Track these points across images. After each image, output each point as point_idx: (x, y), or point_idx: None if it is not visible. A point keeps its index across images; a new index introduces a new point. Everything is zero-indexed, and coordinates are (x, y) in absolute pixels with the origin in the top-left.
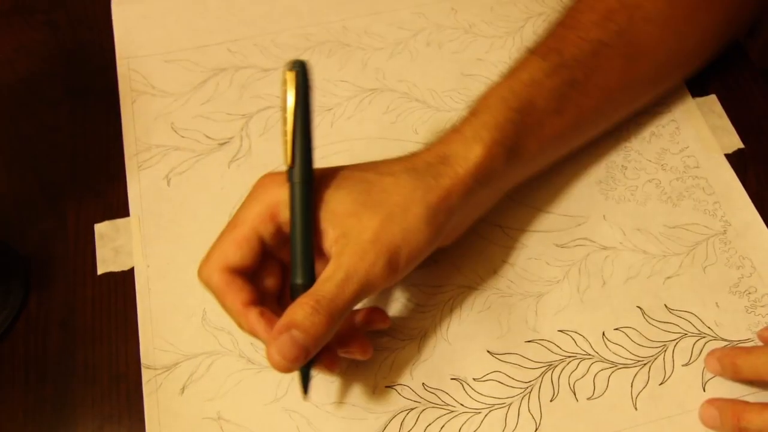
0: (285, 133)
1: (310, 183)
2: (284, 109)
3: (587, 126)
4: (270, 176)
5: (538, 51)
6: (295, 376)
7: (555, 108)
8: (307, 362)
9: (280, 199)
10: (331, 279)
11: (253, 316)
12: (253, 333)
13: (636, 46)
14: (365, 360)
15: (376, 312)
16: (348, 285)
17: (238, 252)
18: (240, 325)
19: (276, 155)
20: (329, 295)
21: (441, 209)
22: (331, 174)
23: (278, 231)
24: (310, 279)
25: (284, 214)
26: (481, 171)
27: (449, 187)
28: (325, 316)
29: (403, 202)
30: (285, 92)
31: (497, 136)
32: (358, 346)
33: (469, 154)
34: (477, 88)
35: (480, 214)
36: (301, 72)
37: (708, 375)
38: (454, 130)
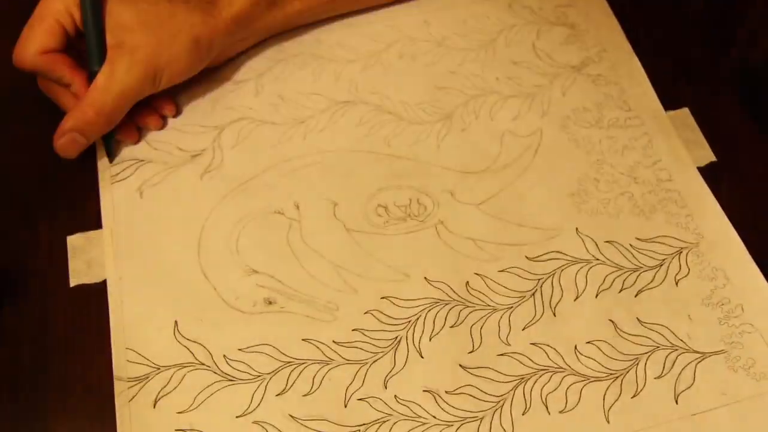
0: None
1: None
2: None
3: None
4: None
5: None
6: (270, 396)
7: None
8: (105, 138)
9: (75, 0)
10: (107, 90)
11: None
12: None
13: None
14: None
15: (167, 101)
16: (120, 97)
17: (51, 38)
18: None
19: (249, 166)
20: (106, 106)
21: (203, 43)
22: None
23: (76, 26)
24: (103, 63)
25: (79, 15)
26: (242, 16)
27: (213, 26)
28: (103, 122)
29: (173, 30)
30: None
31: None
32: (150, 120)
33: (234, 2)
34: (450, 101)
35: (244, 46)
36: None
37: (680, 387)
38: None
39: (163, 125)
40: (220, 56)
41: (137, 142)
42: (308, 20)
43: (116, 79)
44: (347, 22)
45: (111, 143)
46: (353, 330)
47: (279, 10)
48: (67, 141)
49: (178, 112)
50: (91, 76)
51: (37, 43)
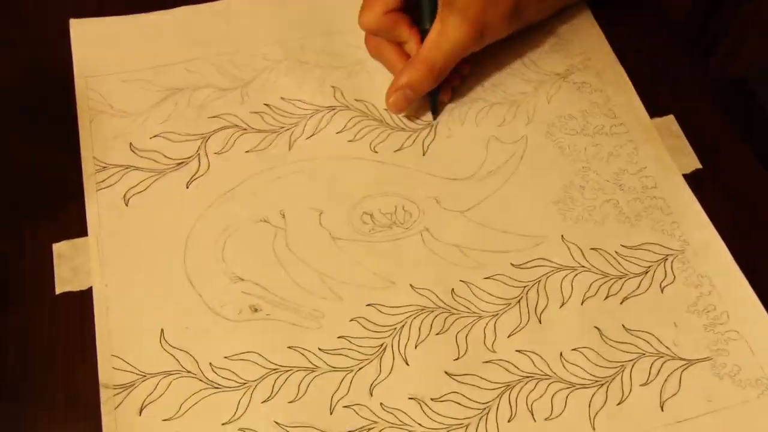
0: None
1: None
2: None
3: None
4: None
5: None
6: (256, 403)
7: None
8: (431, 95)
9: None
10: (439, 48)
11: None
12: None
13: None
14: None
15: (465, 61)
16: (452, 54)
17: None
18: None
19: (235, 174)
20: (438, 63)
21: (522, 3)
22: None
23: None
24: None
25: None
26: None
27: None
28: (434, 80)
29: None
30: None
31: None
32: (454, 79)
33: None
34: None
35: (544, 15)
36: None
37: (666, 394)
38: None
39: (460, 84)
40: (526, 23)
41: (450, 100)
42: None
43: (447, 36)
44: (331, 29)
45: (436, 100)
46: (339, 337)
47: None
48: (399, 97)
49: (471, 70)
50: (423, 35)
51: (382, 4)
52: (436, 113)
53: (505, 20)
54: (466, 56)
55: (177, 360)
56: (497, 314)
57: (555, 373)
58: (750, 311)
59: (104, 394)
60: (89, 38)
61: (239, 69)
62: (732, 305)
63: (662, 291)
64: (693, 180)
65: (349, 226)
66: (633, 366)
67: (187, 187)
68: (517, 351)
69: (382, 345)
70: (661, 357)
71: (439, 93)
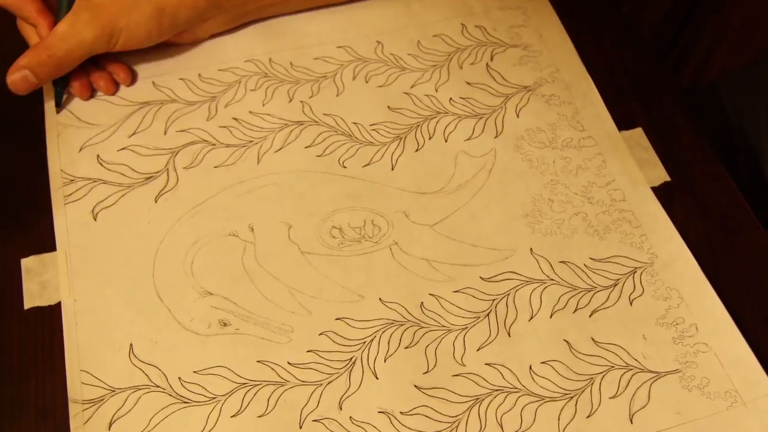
0: None
1: None
2: None
3: None
4: None
5: None
6: (225, 418)
7: None
8: (55, 83)
9: None
10: (63, 37)
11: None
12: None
13: None
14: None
15: (122, 67)
16: (75, 48)
17: None
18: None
19: (204, 189)
20: (60, 52)
21: (167, 13)
22: None
23: None
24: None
25: None
26: None
27: (179, 1)
28: (54, 65)
29: None
30: None
31: None
32: (103, 81)
33: None
34: (404, 121)
35: (217, 29)
36: None
37: (635, 407)
38: None
39: (114, 91)
40: (189, 34)
41: (87, 99)
42: (282, 10)
43: (75, 30)
44: (300, 43)
45: (61, 92)
46: (308, 351)
47: None
48: (19, 77)
49: (132, 81)
50: (56, 23)
51: None
52: (59, 105)
53: (145, 27)
54: (100, 56)
55: (146, 374)
56: (466, 327)
57: (524, 386)
58: (719, 324)
59: (73, 409)
60: None
61: (207, 83)
62: (701, 318)
63: (631, 304)
64: (662, 192)
65: (318, 241)
66: (602, 378)
67: (156, 202)
68: (486, 364)
69: (351, 359)
70: (630, 369)
71: (66, 84)
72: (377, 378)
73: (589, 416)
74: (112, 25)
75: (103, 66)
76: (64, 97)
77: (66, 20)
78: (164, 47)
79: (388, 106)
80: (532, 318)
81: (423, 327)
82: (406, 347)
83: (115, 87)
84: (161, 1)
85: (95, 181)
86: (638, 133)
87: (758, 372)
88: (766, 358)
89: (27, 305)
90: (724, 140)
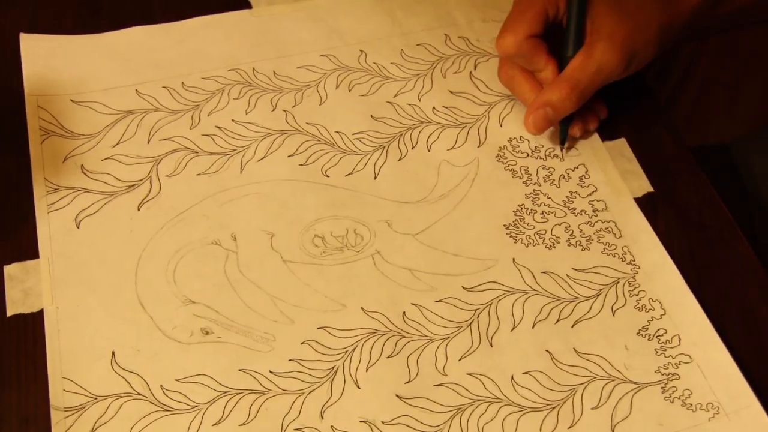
0: None
1: None
2: None
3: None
4: None
5: None
6: (206, 426)
7: None
8: (562, 122)
9: None
10: (584, 70)
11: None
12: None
13: None
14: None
15: (602, 103)
16: (597, 77)
17: (538, 24)
18: (537, 77)
19: (186, 197)
20: (582, 84)
21: (666, 30)
22: None
23: (555, 16)
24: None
25: (562, 3)
26: (694, 12)
27: (675, 13)
28: (575, 100)
29: (645, 17)
30: None
31: None
32: (591, 119)
33: None
34: (387, 130)
35: (679, 41)
36: None
37: (617, 418)
38: None
39: (597, 127)
40: (665, 49)
41: (579, 136)
42: (747, 19)
43: (594, 59)
44: (283, 52)
45: (566, 128)
46: (290, 360)
47: (726, 5)
48: (540, 115)
49: (603, 116)
50: (563, 63)
51: (526, 28)
52: (564, 142)
53: (651, 47)
54: (610, 82)
55: (128, 382)
56: (448, 337)
57: (506, 397)
58: (701, 335)
59: (55, 417)
60: (40, 56)
61: (191, 91)
62: (683, 329)
63: (613, 314)
64: (645, 203)
65: (301, 249)
66: (584, 389)
67: (139, 210)
68: (468, 374)
69: (333, 368)
70: (612, 380)
71: (571, 122)
72: (359, 387)
73: (570, 427)
74: (630, 48)
75: (587, 105)
76: (567, 133)
77: (583, 51)
78: (147, 53)
79: (371, 115)
80: (514, 328)
81: (405, 336)
82: (388, 357)
83: (598, 123)
84: (662, 18)
85: (78, 190)
86: (621, 144)
87: (741, 383)
88: (749, 369)
89: (9, 312)
90: (708, 153)
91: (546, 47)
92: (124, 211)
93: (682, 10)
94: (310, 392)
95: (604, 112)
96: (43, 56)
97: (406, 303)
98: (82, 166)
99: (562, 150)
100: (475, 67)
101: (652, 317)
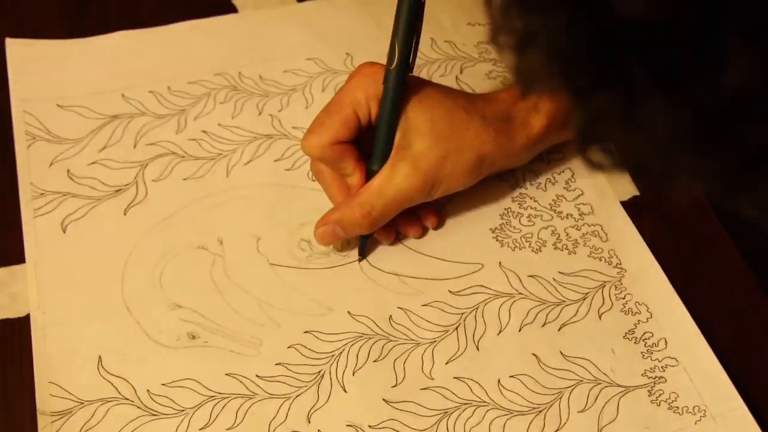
0: (393, 34)
1: (402, 86)
2: (397, 12)
3: None
4: (370, 66)
5: None
6: (193, 431)
7: None
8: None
9: (375, 93)
10: (381, 194)
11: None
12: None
13: None
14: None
15: (431, 212)
16: (393, 203)
17: (345, 130)
18: (343, 180)
19: (173, 201)
20: (376, 210)
21: (487, 161)
22: (421, 86)
23: (368, 121)
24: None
25: (375, 109)
26: (534, 140)
27: (503, 148)
28: (367, 226)
29: (463, 144)
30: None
31: (555, 110)
32: (412, 229)
33: (533, 124)
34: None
35: (515, 166)
36: None
37: (604, 421)
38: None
39: (422, 235)
40: (492, 172)
41: (392, 243)
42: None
43: (393, 184)
44: (269, 56)
45: (366, 242)
46: (276, 364)
47: (567, 131)
48: (327, 231)
49: (439, 225)
50: (369, 174)
51: (332, 132)
52: (363, 255)
53: (465, 176)
54: (413, 205)
55: (115, 387)
56: (435, 341)
57: (493, 400)
58: (688, 338)
59: (42, 421)
60: (26, 60)
61: (177, 96)
62: (670, 332)
63: (600, 318)
64: (632, 207)
65: (287, 253)
66: (571, 393)
67: (125, 214)
68: (455, 378)
69: (319, 372)
70: (599, 384)
71: (371, 236)
72: (346, 391)
73: (557, 430)
74: (434, 176)
75: (412, 210)
76: (368, 245)
77: (384, 173)
78: (133, 58)
79: None
80: (500, 332)
81: (391, 340)
82: (375, 361)
83: (423, 232)
84: (483, 148)
85: (65, 195)
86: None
87: (727, 386)
88: (736, 373)
89: None
90: None
91: (355, 153)
92: (110, 216)
93: (516, 146)
94: (297, 396)
95: (432, 221)
96: (29, 61)
97: (393, 307)
98: (68, 170)
99: (359, 260)
100: (461, 71)
101: (638, 320)
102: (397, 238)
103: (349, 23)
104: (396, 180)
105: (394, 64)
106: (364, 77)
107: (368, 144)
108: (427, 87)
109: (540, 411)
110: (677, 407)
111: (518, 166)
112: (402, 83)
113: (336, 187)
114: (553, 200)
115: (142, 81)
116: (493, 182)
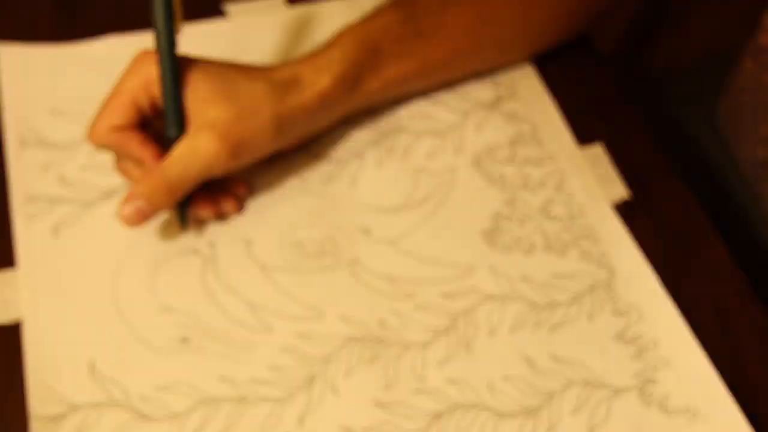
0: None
1: (174, 57)
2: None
3: (430, 74)
4: (143, 53)
5: (397, 0)
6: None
7: (399, 53)
8: (178, 205)
9: (154, 75)
10: (179, 161)
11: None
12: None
13: (485, 8)
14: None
15: (240, 182)
16: (195, 171)
17: (122, 115)
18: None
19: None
20: (175, 178)
21: (285, 121)
22: (197, 62)
23: (153, 103)
24: (180, 130)
25: (157, 89)
26: (324, 98)
27: (295, 105)
28: (169, 194)
29: (255, 104)
30: None
31: (344, 71)
32: (227, 203)
33: (318, 81)
34: (362, 138)
35: (318, 129)
36: None
37: (595, 423)
38: (310, 56)
39: (240, 208)
40: (297, 138)
41: (214, 218)
42: (386, 99)
43: (194, 151)
44: (257, 61)
45: (184, 214)
46: (269, 367)
47: (359, 90)
48: (131, 210)
49: (242, 195)
50: (167, 143)
51: (110, 119)
52: (184, 224)
53: (267, 135)
54: (217, 173)
55: (107, 391)
56: (427, 343)
57: (484, 402)
58: (678, 340)
59: (34, 426)
60: (18, 65)
61: None
62: (660, 333)
63: (591, 319)
64: (622, 209)
65: (279, 256)
66: (562, 394)
67: (117, 218)
68: (446, 380)
69: (312, 375)
70: (590, 385)
71: (187, 205)
72: (338, 394)
73: None
74: (234, 137)
75: (226, 188)
76: (186, 213)
77: (183, 143)
78: (124, 62)
79: (347, 122)
80: (491, 334)
81: (383, 343)
82: (367, 363)
83: (239, 204)
84: (276, 108)
85: (57, 200)
86: (598, 150)
87: (718, 387)
88: (726, 374)
89: None
90: (686, 159)
91: (139, 137)
92: (102, 221)
93: (307, 100)
94: (290, 399)
95: (242, 190)
96: (21, 66)
97: (385, 310)
98: (60, 175)
99: (183, 229)
100: (450, 74)
101: (629, 322)
102: (220, 214)
103: (339, 28)
104: (197, 146)
105: (161, 40)
106: (138, 63)
107: (157, 125)
108: (205, 62)
109: (531, 413)
110: (668, 408)
111: (324, 129)
112: (172, 53)
113: (136, 172)
114: (544, 203)
115: None
116: (484, 185)
